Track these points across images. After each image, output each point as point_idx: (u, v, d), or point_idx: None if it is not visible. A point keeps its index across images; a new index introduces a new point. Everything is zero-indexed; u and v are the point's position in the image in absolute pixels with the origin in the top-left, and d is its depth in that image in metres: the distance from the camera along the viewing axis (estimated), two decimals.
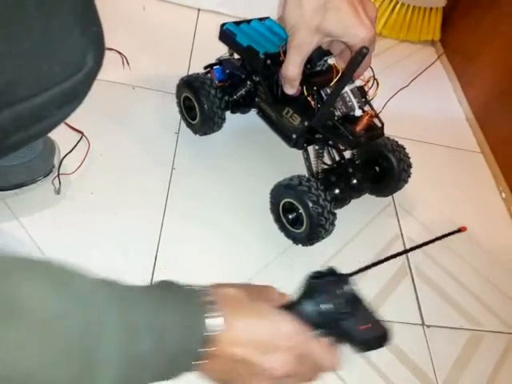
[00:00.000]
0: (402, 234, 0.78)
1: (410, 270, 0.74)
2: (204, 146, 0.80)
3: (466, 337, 0.69)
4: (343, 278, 0.48)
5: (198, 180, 0.74)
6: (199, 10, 1.06)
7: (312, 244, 0.66)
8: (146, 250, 0.64)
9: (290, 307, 0.44)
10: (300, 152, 0.71)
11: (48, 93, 0.35)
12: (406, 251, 0.56)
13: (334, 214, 0.62)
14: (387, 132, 0.69)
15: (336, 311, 0.45)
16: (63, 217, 0.64)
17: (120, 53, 0.85)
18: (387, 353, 0.63)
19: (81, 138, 0.71)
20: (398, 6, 1.13)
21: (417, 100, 0.97)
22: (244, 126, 0.80)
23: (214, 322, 0.31)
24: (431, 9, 1.16)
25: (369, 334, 0.46)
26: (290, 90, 0.62)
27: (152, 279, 0.61)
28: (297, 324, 0.36)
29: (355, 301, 0.47)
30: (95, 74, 0.38)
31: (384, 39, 1.18)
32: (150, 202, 0.69)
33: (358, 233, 0.76)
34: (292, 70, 0.59)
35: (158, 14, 1.01)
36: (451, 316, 0.69)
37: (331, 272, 0.50)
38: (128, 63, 0.85)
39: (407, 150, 0.75)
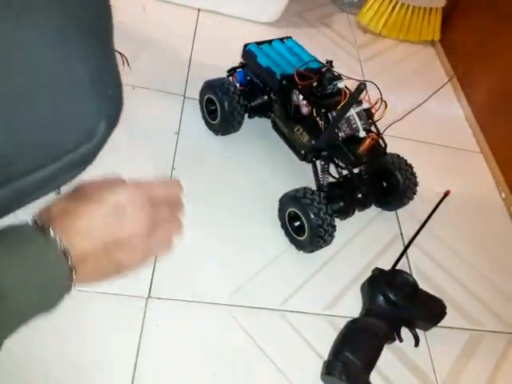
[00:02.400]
0: (401, 234, 0.78)
1: (410, 269, 0.74)
2: (204, 147, 0.80)
3: (465, 336, 0.69)
4: (394, 271, 0.66)
5: (198, 180, 0.74)
6: (199, 10, 1.06)
7: (311, 252, 0.69)
8: None
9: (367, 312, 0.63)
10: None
11: (57, 163, 0.33)
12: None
13: (334, 227, 0.66)
14: (388, 132, 0.70)
15: (402, 297, 0.61)
16: None
17: (120, 53, 0.85)
18: (387, 352, 0.63)
19: None
20: (398, 6, 1.13)
21: (417, 100, 0.97)
22: (244, 129, 0.80)
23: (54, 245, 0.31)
24: (431, 9, 1.16)
25: (434, 311, 0.65)
26: None
27: (153, 273, 0.61)
28: (129, 185, 0.37)
29: (413, 286, 0.63)
30: (107, 138, 0.35)
31: (384, 39, 1.18)
32: None
33: (358, 233, 0.76)
34: None
35: (158, 14, 1.01)
36: (451, 316, 0.69)
37: (380, 270, 0.65)
38: (128, 63, 0.85)
39: (407, 150, 0.75)
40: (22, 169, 0.32)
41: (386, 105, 0.67)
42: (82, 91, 0.31)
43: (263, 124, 0.82)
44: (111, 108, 0.34)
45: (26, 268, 0.30)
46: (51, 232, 0.31)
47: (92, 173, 0.70)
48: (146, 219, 0.35)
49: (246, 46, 0.76)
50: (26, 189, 0.33)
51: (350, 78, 0.70)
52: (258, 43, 0.77)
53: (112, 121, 0.35)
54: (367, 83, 0.62)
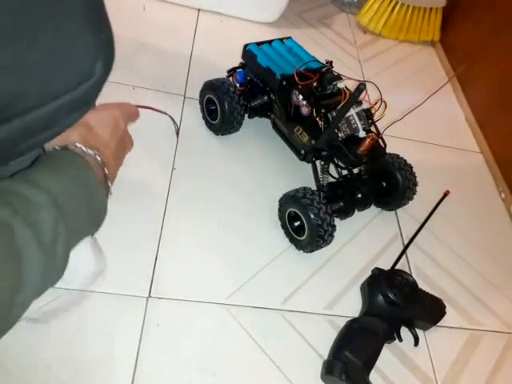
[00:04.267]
0: (401, 234, 0.78)
1: (410, 269, 0.74)
2: (204, 147, 0.80)
3: (465, 336, 0.69)
4: (394, 271, 0.66)
5: (198, 180, 0.74)
6: (199, 10, 1.07)
7: (311, 252, 0.69)
8: (145, 248, 0.64)
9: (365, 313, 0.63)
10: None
11: (57, 101, 0.35)
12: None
13: (334, 227, 0.65)
14: (388, 132, 0.70)
15: (402, 296, 0.62)
16: None
17: (172, 118, 0.83)
18: (387, 352, 0.63)
19: None
20: (398, 6, 1.13)
21: (416, 100, 0.97)
22: (244, 129, 0.80)
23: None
24: (431, 9, 1.16)
25: (433, 311, 0.66)
26: None
27: (153, 273, 0.62)
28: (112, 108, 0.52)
29: (413, 285, 0.64)
30: (104, 81, 0.39)
31: (384, 39, 1.18)
32: (150, 201, 0.69)
33: (358, 232, 0.76)
34: None
35: (158, 14, 1.02)
36: (451, 315, 0.69)
37: (380, 270, 0.66)
38: (178, 131, 0.83)
39: (407, 150, 0.75)
40: (29, 104, 0.34)
41: (385, 105, 0.67)
42: (81, 28, 0.34)
43: (263, 124, 0.82)
44: (106, 50, 0.37)
45: (74, 182, 0.38)
46: (89, 151, 0.42)
47: None
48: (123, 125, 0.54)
49: (245, 46, 0.76)
50: (32, 125, 0.35)
51: (349, 79, 0.70)
52: (258, 43, 0.77)
53: (107, 62, 0.38)
54: (367, 83, 0.62)
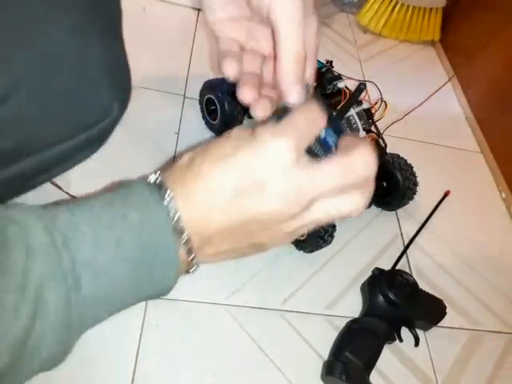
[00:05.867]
0: (401, 234, 0.78)
1: (410, 269, 0.74)
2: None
3: (465, 337, 0.69)
4: (394, 271, 0.66)
5: None
6: (199, 10, 1.06)
7: (311, 252, 0.69)
8: None
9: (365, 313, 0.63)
10: None
11: (74, 140, 0.36)
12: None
13: (334, 227, 0.65)
14: (388, 132, 0.70)
15: (402, 297, 0.62)
16: None
17: None
18: (387, 352, 0.63)
19: None
20: (398, 6, 1.13)
21: (417, 100, 0.97)
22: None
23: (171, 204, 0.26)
24: (431, 9, 1.15)
25: (434, 311, 0.66)
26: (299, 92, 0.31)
27: None
28: (288, 137, 0.26)
29: (413, 286, 0.64)
30: (119, 119, 0.39)
31: (384, 39, 1.18)
32: None
33: (358, 233, 0.76)
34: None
35: (158, 14, 1.01)
36: (451, 316, 0.69)
37: (380, 270, 0.66)
38: None
39: (407, 150, 0.75)
40: (45, 142, 0.35)
41: (385, 105, 0.67)
42: (99, 71, 0.35)
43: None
44: (123, 91, 0.39)
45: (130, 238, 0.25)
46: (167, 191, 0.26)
47: (92, 171, 0.70)
48: (303, 195, 0.27)
49: None
50: (46, 162, 0.36)
51: (349, 78, 0.70)
52: None
53: (124, 104, 0.39)
54: (367, 83, 0.62)
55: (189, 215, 0.26)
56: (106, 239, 0.25)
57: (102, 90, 0.36)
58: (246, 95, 0.32)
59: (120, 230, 0.25)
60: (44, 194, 0.64)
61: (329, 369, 0.57)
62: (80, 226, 0.24)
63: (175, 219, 0.26)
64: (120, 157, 0.73)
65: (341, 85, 0.68)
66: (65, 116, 0.35)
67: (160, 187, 0.27)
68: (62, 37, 0.32)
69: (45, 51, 0.32)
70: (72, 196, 0.64)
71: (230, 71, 0.33)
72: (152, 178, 0.28)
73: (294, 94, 0.30)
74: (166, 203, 0.26)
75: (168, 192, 0.27)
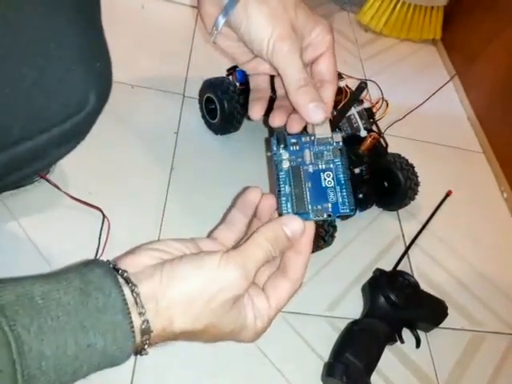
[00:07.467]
0: (403, 235, 0.78)
1: (412, 270, 0.73)
2: (203, 147, 0.79)
3: (467, 338, 0.68)
4: (395, 272, 0.66)
5: (198, 180, 0.74)
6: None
7: (312, 253, 0.67)
8: None
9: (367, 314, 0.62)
10: None
11: (45, 135, 0.33)
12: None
13: (335, 227, 0.65)
14: (389, 131, 0.69)
15: (404, 298, 0.61)
16: (61, 217, 0.63)
17: None
18: (388, 354, 0.62)
19: None
20: (399, 4, 1.12)
21: (418, 99, 0.97)
22: (244, 128, 0.80)
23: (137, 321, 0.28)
24: (432, 7, 1.15)
25: (435, 312, 0.65)
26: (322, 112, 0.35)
27: None
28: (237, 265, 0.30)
29: (414, 287, 0.63)
30: (98, 112, 0.35)
31: (385, 38, 1.18)
32: (148, 201, 0.69)
33: (359, 233, 0.75)
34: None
35: (157, 12, 1.01)
36: (452, 317, 0.69)
37: (382, 271, 0.65)
38: None
39: (408, 150, 0.74)
40: (14, 137, 0.32)
41: (387, 104, 0.67)
42: (70, 57, 0.32)
43: (263, 124, 0.81)
44: (100, 80, 0.34)
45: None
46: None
47: (92, 171, 0.70)
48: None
49: None
50: (17, 158, 0.33)
51: (350, 77, 0.69)
52: None
53: (102, 94, 0.35)
54: (368, 82, 0.62)
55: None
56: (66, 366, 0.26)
57: (74, 79, 0.32)
58: (275, 120, 0.38)
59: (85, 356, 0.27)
60: (43, 193, 0.64)
61: (329, 370, 0.56)
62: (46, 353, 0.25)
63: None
64: (119, 156, 0.73)
65: (342, 84, 0.68)
66: (30, 108, 0.31)
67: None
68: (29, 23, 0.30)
69: (12, 35, 0.29)
70: (71, 196, 0.64)
71: (257, 115, 0.39)
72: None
73: (310, 116, 0.35)
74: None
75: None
